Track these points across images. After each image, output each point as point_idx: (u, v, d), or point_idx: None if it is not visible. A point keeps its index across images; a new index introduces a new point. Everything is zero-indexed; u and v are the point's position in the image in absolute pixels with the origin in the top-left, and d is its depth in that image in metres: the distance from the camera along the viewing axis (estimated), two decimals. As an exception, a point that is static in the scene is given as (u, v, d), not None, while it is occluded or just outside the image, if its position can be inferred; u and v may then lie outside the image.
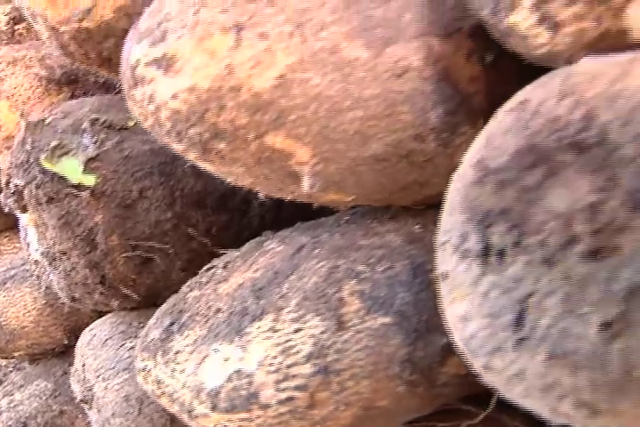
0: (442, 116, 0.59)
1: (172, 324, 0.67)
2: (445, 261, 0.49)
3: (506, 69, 0.62)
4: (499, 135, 0.48)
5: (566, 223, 0.41)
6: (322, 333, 0.60)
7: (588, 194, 0.41)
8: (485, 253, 0.44)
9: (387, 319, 0.60)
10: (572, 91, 0.47)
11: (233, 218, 0.77)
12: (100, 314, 0.88)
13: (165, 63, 0.56)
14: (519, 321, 0.43)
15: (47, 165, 0.75)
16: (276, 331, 0.61)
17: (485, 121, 0.54)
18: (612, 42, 0.51)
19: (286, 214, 0.76)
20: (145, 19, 0.59)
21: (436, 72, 0.59)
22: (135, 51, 0.58)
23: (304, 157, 0.59)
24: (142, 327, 0.74)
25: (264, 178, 0.62)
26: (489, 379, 0.48)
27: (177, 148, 0.60)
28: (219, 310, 0.65)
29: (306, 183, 0.57)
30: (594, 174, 0.42)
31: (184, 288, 0.71)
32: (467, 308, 0.46)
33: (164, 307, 0.70)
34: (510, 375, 0.45)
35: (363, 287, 0.62)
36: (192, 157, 0.61)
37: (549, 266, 0.41)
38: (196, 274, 0.76)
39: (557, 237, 0.41)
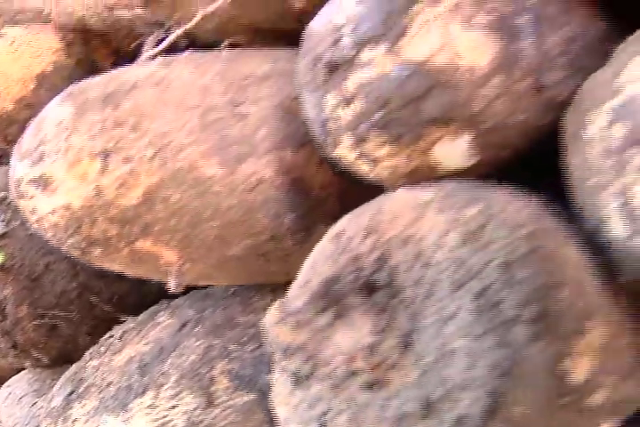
0: (295, 220, 0.67)
1: (72, 392, 0.75)
2: (275, 367, 0.57)
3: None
4: (319, 263, 0.56)
5: (350, 359, 0.49)
6: (194, 409, 0.68)
7: (368, 335, 0.49)
8: (295, 373, 0.52)
9: (251, 397, 0.68)
10: (375, 229, 0.54)
11: (133, 286, 0.85)
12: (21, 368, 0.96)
13: (43, 183, 0.63)
14: (319, 431, 0.52)
15: (-43, 244, 0.81)
16: (154, 407, 0.69)
17: (339, 218, 0.61)
18: (426, 174, 0.58)
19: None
20: (26, 138, 0.66)
21: (287, 181, 0.66)
22: (18, 168, 0.65)
23: (172, 258, 0.66)
24: (54, 386, 0.82)
25: (142, 274, 0.69)
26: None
27: (62, 248, 0.68)
28: (110, 383, 0.73)
29: (172, 284, 0.65)
30: (377, 316, 0.50)
31: (86, 355, 0.79)
32: (286, 413, 0.55)
33: (67, 373, 0.78)
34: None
35: (232, 367, 0.70)
36: (76, 256, 0.68)
37: (337, 392, 0.50)
38: (101, 337, 0.83)
39: (342, 369, 0.49)
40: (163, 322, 0.78)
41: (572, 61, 0.59)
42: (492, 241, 0.49)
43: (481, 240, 0.50)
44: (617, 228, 0.50)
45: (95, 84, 0.66)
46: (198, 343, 0.73)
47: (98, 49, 0.86)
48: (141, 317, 0.80)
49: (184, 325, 0.76)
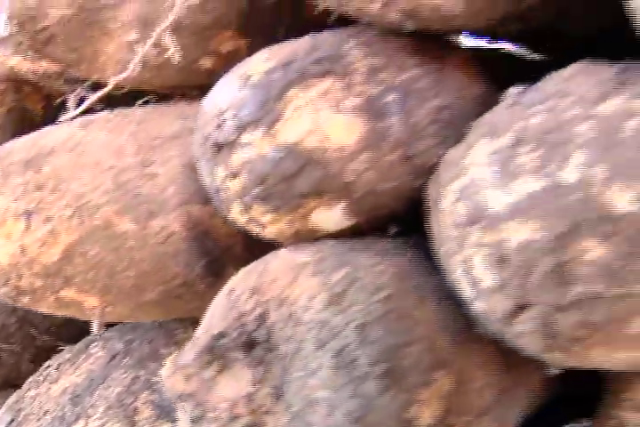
0: (205, 267, 0.74)
1: (12, 421, 0.83)
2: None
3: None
4: (214, 317, 0.63)
5: (232, 405, 0.57)
6: (119, 437, 0.76)
7: (247, 385, 0.57)
8: (190, 415, 0.60)
9: (170, 425, 0.76)
10: (258, 289, 0.62)
11: (70, 317, 0.92)
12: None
13: (-27, 242, 0.70)
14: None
15: None
16: (84, 436, 0.77)
17: (248, 261, 0.68)
18: (308, 235, 0.66)
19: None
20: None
21: (195, 233, 0.73)
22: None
23: (93, 304, 0.73)
24: (-1, 410, 0.90)
25: (70, 315, 0.76)
26: None
27: (-3, 294, 0.75)
28: (46, 412, 0.81)
29: (95, 327, 0.72)
30: (255, 368, 0.58)
31: (26, 385, 0.87)
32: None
33: (9, 401, 0.86)
34: None
35: (155, 397, 0.78)
36: (9, 302, 0.75)
37: (225, 433, 0.58)
38: (43, 363, 0.91)
39: (227, 414, 0.57)
40: (95, 354, 0.85)
41: (442, 129, 0.65)
42: (352, 304, 0.57)
43: (343, 303, 0.57)
44: (465, 290, 0.58)
45: (18, 148, 0.73)
46: (125, 375, 0.80)
47: (29, 95, 0.92)
48: (77, 346, 0.88)
49: (114, 357, 0.83)
